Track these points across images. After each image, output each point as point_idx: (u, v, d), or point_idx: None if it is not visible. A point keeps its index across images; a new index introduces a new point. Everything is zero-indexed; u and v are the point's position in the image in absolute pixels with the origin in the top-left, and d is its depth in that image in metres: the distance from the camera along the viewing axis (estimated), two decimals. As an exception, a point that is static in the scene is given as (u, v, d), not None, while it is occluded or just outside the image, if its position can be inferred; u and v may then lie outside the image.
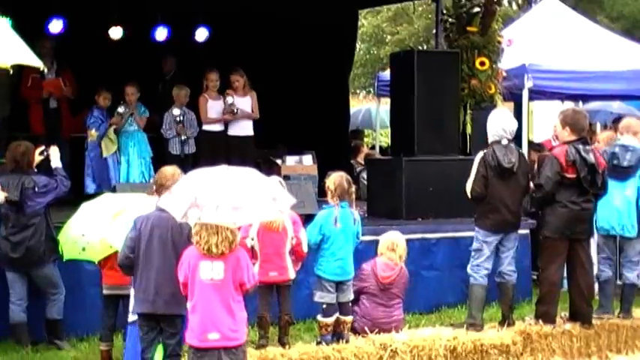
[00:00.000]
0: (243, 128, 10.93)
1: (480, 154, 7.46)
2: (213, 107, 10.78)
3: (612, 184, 7.86)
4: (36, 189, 7.48)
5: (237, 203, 5.22)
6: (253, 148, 11.04)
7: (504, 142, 7.45)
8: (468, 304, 7.59)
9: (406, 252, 7.54)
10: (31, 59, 6.51)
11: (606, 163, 7.78)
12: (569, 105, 14.56)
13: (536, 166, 10.49)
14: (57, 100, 10.88)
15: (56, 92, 10.84)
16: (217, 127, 10.84)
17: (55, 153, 7.71)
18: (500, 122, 7.54)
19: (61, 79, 10.85)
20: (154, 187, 6.20)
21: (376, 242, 7.77)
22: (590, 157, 7.37)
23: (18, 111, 11.00)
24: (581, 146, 7.38)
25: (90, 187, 10.41)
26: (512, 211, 7.52)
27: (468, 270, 7.55)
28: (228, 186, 5.30)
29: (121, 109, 10.50)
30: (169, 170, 6.10)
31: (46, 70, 10.55)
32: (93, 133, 10.42)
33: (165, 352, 5.81)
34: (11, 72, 6.37)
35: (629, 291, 7.95)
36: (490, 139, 7.50)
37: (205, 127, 10.80)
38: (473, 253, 7.53)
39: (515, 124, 7.66)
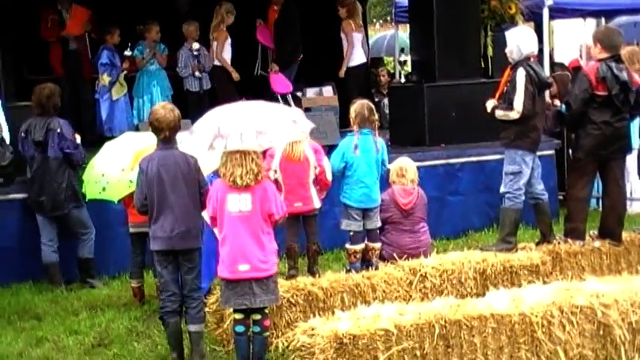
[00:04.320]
0: None
1: (523, 72, 7.15)
2: None
3: None
4: (59, 131, 7.51)
5: (260, 127, 5.25)
6: None
7: (532, 59, 7.33)
8: (501, 227, 7.42)
9: (417, 175, 7.43)
10: None
11: None
12: (590, 22, 14.36)
13: (555, 87, 10.44)
14: (76, 41, 10.84)
15: (74, 30, 10.77)
16: None
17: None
18: (532, 39, 7.38)
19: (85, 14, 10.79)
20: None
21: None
22: (623, 75, 7.17)
23: (38, 53, 11.00)
24: (613, 64, 7.17)
25: (104, 130, 10.42)
26: (542, 128, 7.44)
27: (505, 194, 7.33)
28: (249, 114, 5.33)
29: (128, 52, 10.46)
30: (161, 112, 5.82)
31: (64, 12, 10.61)
32: (105, 78, 10.43)
33: (184, 289, 5.85)
34: None
35: None
36: (522, 56, 7.22)
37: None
38: (512, 177, 7.27)
39: None
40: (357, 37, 10.76)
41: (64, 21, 10.81)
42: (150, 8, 10.98)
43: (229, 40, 10.58)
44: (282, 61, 11.02)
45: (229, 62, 10.65)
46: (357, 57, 10.91)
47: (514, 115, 7.21)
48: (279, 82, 11.01)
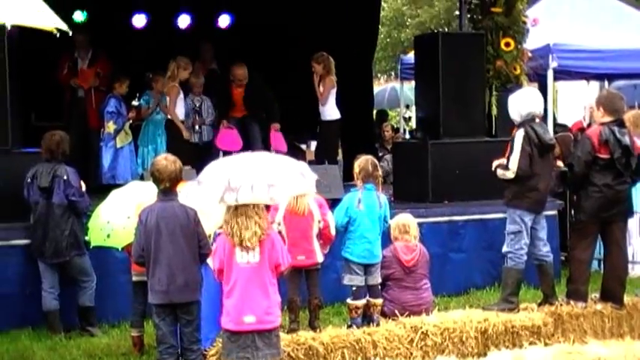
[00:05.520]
0: None
1: (522, 132, 7.26)
2: None
3: None
4: (65, 178, 7.54)
5: (271, 180, 5.29)
6: None
7: (537, 119, 7.40)
8: (503, 287, 7.46)
9: (418, 231, 7.49)
10: (47, 21, 6.40)
11: None
12: (594, 85, 14.53)
13: (557, 148, 10.50)
14: (85, 91, 10.98)
15: (84, 84, 10.94)
16: None
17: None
18: (534, 100, 7.43)
19: (93, 70, 10.98)
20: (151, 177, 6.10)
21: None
22: (625, 139, 7.26)
23: (46, 99, 11.15)
24: (616, 127, 7.28)
25: (106, 178, 10.45)
26: (547, 189, 7.47)
27: (507, 254, 7.39)
28: (259, 166, 5.38)
29: (135, 102, 10.56)
30: (162, 163, 5.94)
31: (79, 61, 10.79)
32: (111, 126, 10.51)
33: (182, 342, 5.83)
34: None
35: None
36: (523, 118, 7.33)
37: None
38: (512, 236, 7.35)
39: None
40: (333, 92, 10.76)
41: (77, 68, 10.98)
42: (162, 59, 11.11)
43: (182, 96, 10.42)
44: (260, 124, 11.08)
45: (181, 118, 10.41)
46: (333, 112, 10.91)
47: (509, 174, 7.31)
48: (228, 137, 10.98)
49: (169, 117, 10.41)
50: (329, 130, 10.86)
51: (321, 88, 10.62)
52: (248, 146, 10.66)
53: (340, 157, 11.62)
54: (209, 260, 5.87)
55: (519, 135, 7.27)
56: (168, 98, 10.39)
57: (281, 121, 11.06)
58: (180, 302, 5.78)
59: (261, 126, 11.00)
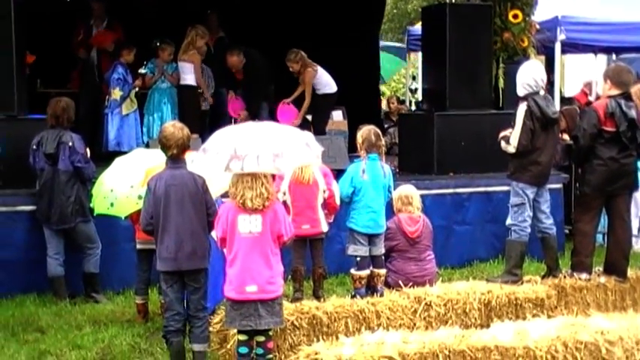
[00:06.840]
0: None
1: (524, 106, 7.24)
2: None
3: None
4: (71, 144, 7.54)
5: (277, 150, 5.28)
6: None
7: (542, 92, 7.36)
8: (506, 259, 7.47)
9: (421, 202, 7.48)
10: None
11: None
12: (601, 58, 14.46)
13: (563, 121, 10.49)
14: (98, 59, 10.99)
15: (105, 44, 10.95)
16: None
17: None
18: (537, 73, 7.39)
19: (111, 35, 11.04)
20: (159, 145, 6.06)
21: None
22: (632, 112, 7.23)
23: (59, 65, 11.20)
24: (622, 101, 7.25)
25: (112, 145, 10.45)
26: (549, 162, 7.45)
27: (511, 227, 7.40)
28: (265, 135, 5.37)
29: (142, 70, 10.56)
30: (170, 130, 5.89)
31: (94, 29, 10.84)
32: (117, 93, 10.50)
33: (189, 309, 5.87)
34: None
35: None
36: (526, 91, 7.29)
37: None
38: (515, 209, 7.35)
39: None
40: (319, 75, 10.83)
41: (90, 37, 11.05)
42: (169, 27, 11.07)
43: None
44: (253, 108, 10.99)
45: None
46: (330, 86, 10.98)
47: (511, 149, 7.34)
48: (237, 105, 11.08)
49: (184, 84, 10.45)
50: (326, 102, 10.91)
51: (307, 80, 10.73)
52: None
53: (346, 128, 11.61)
54: None
55: (521, 109, 7.26)
56: (192, 66, 10.41)
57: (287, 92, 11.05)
58: (188, 270, 5.78)
59: (268, 100, 10.99)
